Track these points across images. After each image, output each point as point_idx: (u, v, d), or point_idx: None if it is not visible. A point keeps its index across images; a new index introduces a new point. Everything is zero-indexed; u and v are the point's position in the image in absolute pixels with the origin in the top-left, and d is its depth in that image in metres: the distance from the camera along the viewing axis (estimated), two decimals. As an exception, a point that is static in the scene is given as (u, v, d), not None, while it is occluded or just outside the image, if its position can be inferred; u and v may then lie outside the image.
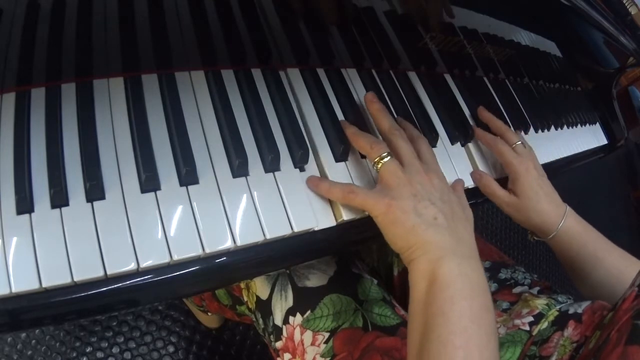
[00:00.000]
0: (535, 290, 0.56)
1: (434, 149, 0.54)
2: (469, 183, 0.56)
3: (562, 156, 0.77)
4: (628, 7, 0.68)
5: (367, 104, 0.49)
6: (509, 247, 1.65)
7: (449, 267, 0.38)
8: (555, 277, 1.76)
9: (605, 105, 1.00)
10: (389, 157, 0.43)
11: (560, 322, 0.47)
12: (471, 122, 0.62)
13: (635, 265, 0.53)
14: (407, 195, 0.41)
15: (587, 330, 0.44)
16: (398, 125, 0.47)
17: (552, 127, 0.78)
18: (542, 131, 0.75)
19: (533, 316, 0.49)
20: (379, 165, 0.43)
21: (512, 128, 0.62)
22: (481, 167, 0.58)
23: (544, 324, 0.47)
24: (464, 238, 0.41)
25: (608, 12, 0.65)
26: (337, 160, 0.46)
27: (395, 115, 0.54)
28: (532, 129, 0.72)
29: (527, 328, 0.47)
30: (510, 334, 0.47)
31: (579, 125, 0.89)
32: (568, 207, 0.56)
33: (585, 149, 0.88)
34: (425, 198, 0.41)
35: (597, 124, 0.99)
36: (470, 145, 0.59)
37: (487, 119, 0.61)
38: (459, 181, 0.53)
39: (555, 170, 0.73)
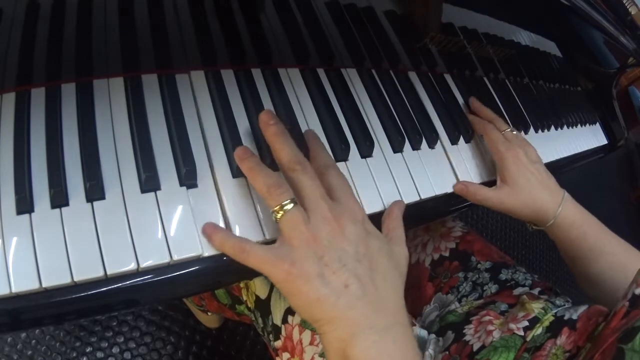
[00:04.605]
0: (536, 291, 0.55)
1: (432, 150, 0.54)
2: (477, 180, 0.56)
3: (562, 156, 0.77)
4: (628, 7, 0.68)
5: (262, 126, 0.39)
6: (508, 247, 1.65)
7: (363, 347, 0.33)
8: (556, 276, 1.76)
9: (605, 105, 1.01)
10: (291, 205, 0.35)
11: (555, 328, 0.46)
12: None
13: (637, 259, 0.52)
14: (312, 258, 0.34)
15: (581, 340, 0.43)
16: (302, 156, 0.38)
17: (552, 127, 0.79)
18: (542, 131, 0.75)
19: (528, 320, 0.48)
20: (279, 216, 0.35)
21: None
22: (482, 167, 0.58)
23: (538, 330, 0.46)
24: (385, 303, 0.35)
25: (608, 12, 0.65)
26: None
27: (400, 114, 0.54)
28: (532, 129, 0.72)
29: (522, 333, 0.47)
30: (505, 338, 0.47)
31: (579, 125, 0.90)
32: (566, 193, 0.54)
33: (585, 148, 0.88)
34: (335, 259, 0.34)
35: (597, 124, 0.99)
36: (470, 145, 0.59)
37: (478, 108, 0.61)
38: (396, 206, 0.44)
39: (555, 171, 0.72)
